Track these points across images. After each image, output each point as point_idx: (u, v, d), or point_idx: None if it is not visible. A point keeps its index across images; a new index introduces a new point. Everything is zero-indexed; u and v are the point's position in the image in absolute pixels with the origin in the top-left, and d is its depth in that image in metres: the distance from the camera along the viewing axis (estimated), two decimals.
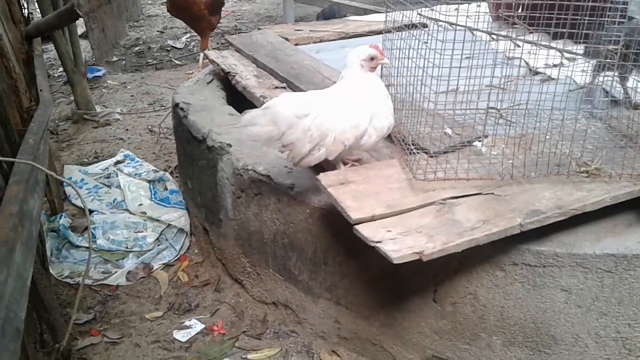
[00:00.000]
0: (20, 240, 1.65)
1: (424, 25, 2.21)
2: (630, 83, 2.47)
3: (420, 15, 2.23)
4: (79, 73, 4.93)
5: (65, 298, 2.83)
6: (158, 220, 3.33)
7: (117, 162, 4.11)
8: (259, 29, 4.55)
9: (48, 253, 2.98)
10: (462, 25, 2.10)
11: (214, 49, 6.76)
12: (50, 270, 2.88)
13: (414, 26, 2.21)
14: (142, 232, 3.29)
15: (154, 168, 3.99)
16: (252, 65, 3.55)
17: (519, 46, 3.06)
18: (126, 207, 3.50)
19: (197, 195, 3.07)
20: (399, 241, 1.74)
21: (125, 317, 2.73)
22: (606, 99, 2.53)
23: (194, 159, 2.99)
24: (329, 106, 2.09)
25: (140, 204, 3.49)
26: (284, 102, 2.14)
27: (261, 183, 2.44)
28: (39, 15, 4.94)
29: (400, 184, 2.05)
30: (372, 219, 1.85)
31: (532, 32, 2.82)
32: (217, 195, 2.75)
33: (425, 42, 2.01)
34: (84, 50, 5.74)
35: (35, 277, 2.06)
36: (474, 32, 2.95)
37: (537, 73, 3.09)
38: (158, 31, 8.54)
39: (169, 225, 3.30)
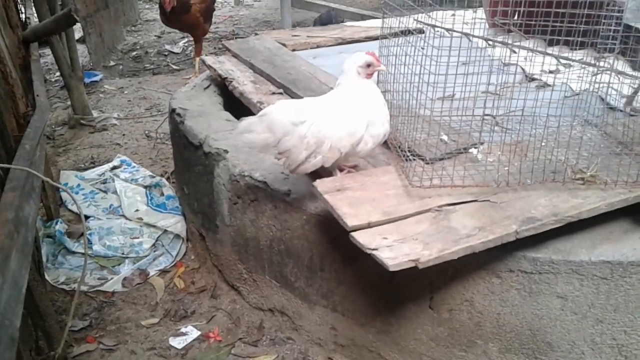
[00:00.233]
0: (15, 247, 1.64)
1: (421, 32, 2.21)
2: (625, 89, 2.48)
3: (417, 21, 2.24)
4: (76, 78, 4.93)
5: (61, 305, 2.82)
6: (154, 226, 3.33)
7: (114, 168, 4.10)
8: (257, 34, 4.57)
9: (44, 259, 2.97)
10: (458, 31, 2.11)
11: (211, 54, 6.78)
12: (46, 277, 2.87)
13: (410, 32, 2.21)
14: (138, 238, 3.28)
15: (151, 173, 3.98)
16: (249, 71, 3.55)
17: (515, 52, 3.06)
18: (122, 213, 3.49)
19: (193, 201, 3.07)
20: (395, 248, 1.74)
21: (121, 323, 2.72)
22: (602, 106, 2.54)
23: (190, 165, 2.99)
24: (325, 113, 2.10)
25: (137, 210, 3.48)
26: (280, 109, 2.15)
27: (258, 189, 2.44)
28: (36, 20, 4.94)
29: (396, 191, 2.05)
30: (368, 226, 1.85)
31: (527, 39, 2.83)
32: (213, 202, 2.75)
33: (422, 48, 2.02)
34: (81, 55, 5.74)
35: (31, 283, 2.06)
36: (471, 38, 2.96)
37: (533, 79, 3.11)
38: (155, 36, 8.54)
39: (165, 231, 3.29)
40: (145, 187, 3.75)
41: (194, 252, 3.22)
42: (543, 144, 2.26)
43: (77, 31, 6.01)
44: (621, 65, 2.33)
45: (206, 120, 3.04)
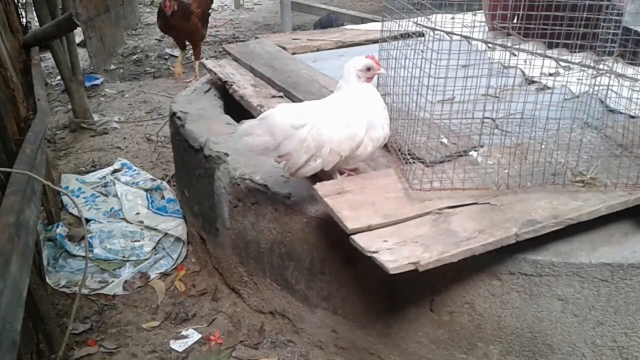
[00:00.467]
0: (16, 251, 1.65)
1: (421, 35, 2.22)
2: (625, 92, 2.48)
3: (417, 24, 2.24)
4: (77, 81, 4.94)
5: (62, 308, 2.82)
6: (155, 229, 3.33)
7: (115, 171, 4.11)
8: (257, 37, 4.57)
9: (45, 262, 2.98)
10: (458, 34, 2.11)
11: (211, 57, 6.80)
12: (47, 280, 2.87)
13: (410, 35, 2.22)
14: (139, 241, 3.28)
15: (151, 177, 3.99)
16: (250, 74, 3.56)
17: (515, 55, 3.07)
18: (123, 216, 3.50)
19: (194, 204, 3.07)
20: (396, 251, 1.74)
21: (121, 326, 2.72)
22: (601, 108, 2.55)
23: (191, 168, 3.00)
24: (325, 117, 2.10)
25: (138, 213, 3.49)
26: (280, 113, 2.15)
27: (258, 192, 2.44)
28: (37, 24, 4.95)
29: (396, 194, 2.05)
30: (369, 228, 1.86)
31: (526, 42, 2.83)
32: (214, 205, 2.76)
33: (421, 51, 2.02)
34: (81, 59, 5.75)
35: (32, 287, 2.06)
36: (470, 41, 2.97)
37: (532, 82, 3.11)
38: (156, 39, 8.56)
39: (166, 234, 3.30)
40: (146, 190, 3.75)
41: (195, 255, 3.22)
42: (543, 146, 2.26)
43: (78, 35, 6.01)
44: (620, 67, 2.33)
45: (206, 123, 3.05)
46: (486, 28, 3.87)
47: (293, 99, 3.06)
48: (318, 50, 4.17)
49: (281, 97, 3.16)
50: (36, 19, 5.02)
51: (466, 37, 2.90)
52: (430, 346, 2.16)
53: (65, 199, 3.69)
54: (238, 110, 3.21)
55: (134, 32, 9.17)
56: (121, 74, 6.93)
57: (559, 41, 2.14)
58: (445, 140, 2.37)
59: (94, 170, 4.21)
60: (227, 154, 2.66)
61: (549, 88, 2.98)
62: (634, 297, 1.85)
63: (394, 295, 2.16)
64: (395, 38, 2.39)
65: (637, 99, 2.35)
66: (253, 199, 2.47)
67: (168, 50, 7.83)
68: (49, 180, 3.02)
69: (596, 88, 2.42)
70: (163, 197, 3.67)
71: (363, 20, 6.57)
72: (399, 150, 2.31)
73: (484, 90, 2.12)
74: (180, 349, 2.56)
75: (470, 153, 2.33)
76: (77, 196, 3.73)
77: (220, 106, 3.41)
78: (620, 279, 1.84)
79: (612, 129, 2.41)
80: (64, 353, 2.25)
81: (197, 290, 2.94)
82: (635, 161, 2.14)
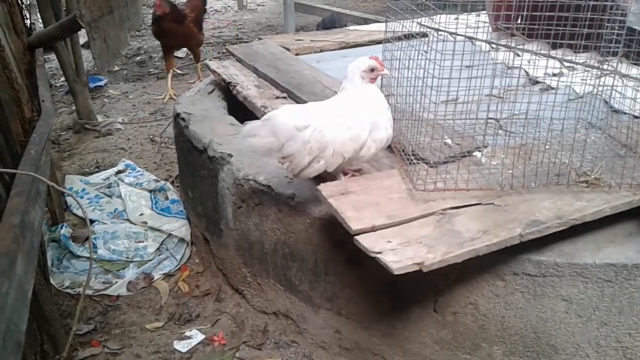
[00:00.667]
0: (21, 251, 1.65)
1: (424, 35, 2.22)
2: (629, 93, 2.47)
3: (420, 25, 2.24)
4: (81, 83, 4.96)
5: (66, 309, 2.83)
6: (159, 230, 3.34)
7: (118, 172, 4.12)
8: (260, 38, 4.58)
9: (49, 263, 2.99)
10: (462, 35, 2.11)
11: (215, 58, 6.79)
12: (51, 281, 2.88)
13: (413, 36, 2.22)
14: (142, 242, 3.29)
15: (155, 178, 3.99)
16: (253, 75, 3.56)
17: (519, 55, 3.07)
18: (127, 217, 3.51)
19: (198, 205, 3.08)
20: (399, 252, 1.74)
21: (125, 327, 2.73)
22: (605, 108, 2.54)
23: (194, 169, 3.00)
24: (328, 118, 2.10)
25: (141, 214, 3.50)
26: (284, 114, 2.15)
27: (262, 193, 2.45)
28: (41, 26, 4.97)
29: (400, 194, 2.05)
30: (373, 229, 1.86)
31: (530, 43, 2.83)
32: (217, 205, 2.76)
33: (425, 52, 2.02)
34: (85, 60, 5.77)
35: (37, 288, 2.07)
36: (474, 41, 2.97)
37: (536, 82, 3.11)
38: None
39: (170, 235, 3.30)
40: (150, 191, 3.76)
41: (199, 255, 3.22)
42: (547, 147, 2.26)
43: (82, 36, 6.03)
44: (625, 68, 2.32)
45: (210, 124, 3.05)
46: (490, 28, 3.87)
47: (297, 99, 3.06)
48: (321, 51, 4.17)
49: (285, 98, 3.16)
50: (40, 20, 5.04)
51: (470, 38, 2.90)
52: (434, 347, 2.16)
53: (69, 199, 3.70)
54: (242, 111, 3.21)
55: (137, 33, 9.19)
56: (125, 75, 6.95)
57: (563, 41, 2.13)
58: (449, 141, 2.36)
59: (98, 171, 4.22)
60: (231, 155, 2.66)
61: (553, 88, 2.97)
62: (638, 298, 1.85)
63: (397, 296, 2.16)
64: (398, 39, 2.39)
65: None
66: (257, 199, 2.48)
67: None
68: (53, 181, 3.03)
69: (600, 88, 2.41)
70: (167, 198, 3.68)
71: (366, 21, 6.58)
72: (403, 150, 2.31)
73: (488, 90, 2.12)
74: (183, 350, 2.56)
75: (474, 153, 2.32)
76: (81, 197, 3.74)
77: (224, 107, 3.42)
78: (624, 280, 1.84)
79: (616, 130, 2.40)
80: (68, 354, 2.26)
81: (201, 291, 2.95)
82: (639, 161, 2.14)
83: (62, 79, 5.96)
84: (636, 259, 1.84)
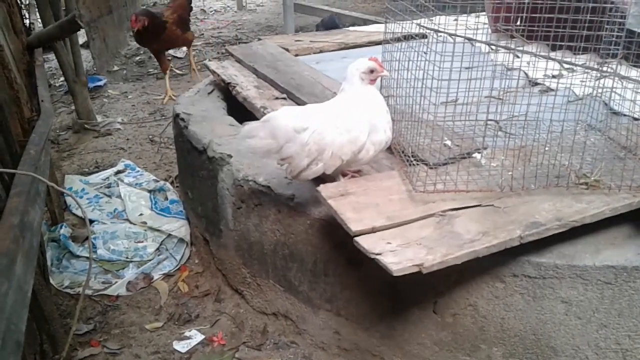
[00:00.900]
0: (21, 252, 1.65)
1: (424, 37, 2.22)
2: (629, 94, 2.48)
3: (420, 26, 2.25)
4: (80, 83, 4.96)
5: (66, 308, 2.83)
6: (158, 230, 3.34)
7: (118, 172, 4.11)
8: (259, 39, 4.58)
9: (48, 263, 2.98)
10: (461, 36, 2.11)
11: (214, 58, 6.80)
12: (51, 281, 2.88)
13: (413, 37, 2.22)
14: (142, 242, 3.29)
15: (155, 178, 3.99)
16: (253, 76, 3.56)
17: (518, 57, 3.07)
18: (127, 217, 3.51)
19: (197, 205, 3.08)
20: (399, 253, 1.74)
21: (125, 327, 2.73)
22: (605, 110, 2.54)
23: (194, 170, 3.00)
24: (327, 120, 2.09)
25: (141, 214, 3.49)
26: (283, 116, 2.15)
27: (261, 194, 2.45)
28: (41, 26, 4.97)
29: (400, 196, 2.06)
30: (372, 230, 1.86)
31: (530, 44, 2.83)
32: (217, 206, 2.76)
33: (424, 53, 2.03)
34: (85, 60, 5.77)
35: (36, 288, 2.07)
36: (474, 43, 2.97)
37: (536, 84, 3.11)
38: None
39: (170, 235, 3.30)
40: (150, 191, 3.76)
41: (198, 256, 3.22)
42: (546, 148, 2.26)
43: (81, 36, 6.04)
44: (624, 70, 2.33)
45: (210, 125, 3.05)
46: (489, 30, 3.87)
47: (296, 100, 3.06)
48: (321, 51, 4.17)
49: (284, 98, 3.16)
50: (39, 20, 5.04)
51: (469, 39, 2.90)
52: (433, 348, 2.16)
53: (69, 199, 3.70)
54: (241, 111, 3.21)
55: None
56: (124, 75, 6.94)
57: (563, 43, 2.13)
58: (448, 142, 2.37)
59: (97, 171, 4.22)
60: (230, 156, 2.66)
61: (552, 90, 2.98)
62: (638, 300, 1.85)
63: (397, 297, 2.16)
64: (398, 40, 2.39)
65: None
66: (256, 200, 2.48)
67: (171, 52, 7.83)
68: (52, 181, 3.03)
69: (600, 90, 2.41)
70: (166, 198, 3.68)
71: (366, 22, 6.58)
72: (403, 152, 2.31)
73: (488, 92, 2.12)
74: (183, 350, 2.56)
75: (473, 155, 2.33)
76: (81, 197, 3.73)
77: (223, 107, 3.42)
78: (624, 282, 1.84)
79: (616, 131, 2.40)
80: (67, 354, 2.26)
81: (200, 292, 2.95)
82: (639, 163, 2.14)
83: (62, 78, 5.96)
84: (636, 261, 1.84)
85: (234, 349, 2.55)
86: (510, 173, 2.11)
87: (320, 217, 2.23)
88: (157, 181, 3.91)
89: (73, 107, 5.17)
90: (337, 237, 2.14)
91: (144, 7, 9.05)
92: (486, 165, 2.23)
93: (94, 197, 3.75)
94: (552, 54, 3.00)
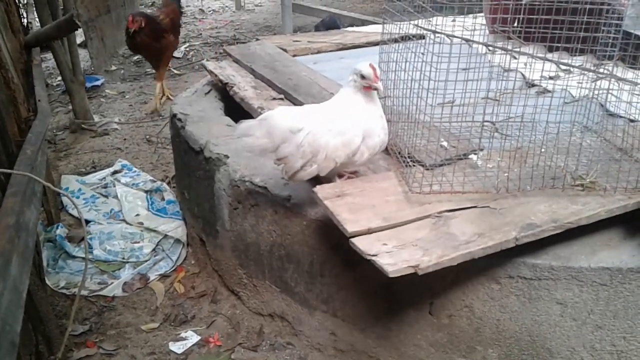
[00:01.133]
0: (16, 252, 1.65)
1: (421, 37, 2.22)
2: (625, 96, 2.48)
3: (417, 27, 2.25)
4: (78, 82, 4.95)
5: (61, 309, 2.82)
6: (155, 231, 3.33)
7: (115, 172, 4.11)
8: (257, 39, 4.58)
9: (44, 263, 2.98)
10: (458, 37, 2.11)
11: (212, 59, 6.79)
12: (47, 281, 2.87)
13: (410, 38, 2.22)
14: (138, 242, 3.28)
15: (152, 178, 3.99)
16: (250, 76, 3.56)
17: (515, 58, 3.07)
18: (123, 218, 3.50)
19: (194, 206, 3.07)
20: (395, 254, 1.74)
21: (121, 328, 2.72)
22: (601, 112, 2.55)
23: (191, 170, 3.00)
24: (322, 122, 2.09)
25: (137, 215, 3.49)
26: (279, 115, 2.15)
27: (258, 194, 2.45)
28: (38, 25, 4.96)
29: (396, 197, 2.06)
30: (368, 231, 1.86)
31: (527, 45, 2.83)
32: (214, 206, 2.76)
33: (422, 54, 2.03)
34: (82, 60, 5.75)
35: (31, 288, 2.07)
36: (471, 44, 2.97)
37: (532, 85, 3.11)
38: None
39: (166, 235, 3.30)
40: (146, 191, 3.76)
41: (194, 257, 3.22)
42: (542, 150, 2.26)
43: (79, 36, 6.02)
44: (621, 71, 2.33)
45: (207, 125, 3.05)
46: (487, 31, 3.87)
47: (294, 101, 3.06)
48: (319, 52, 4.17)
49: (282, 99, 3.16)
50: (37, 19, 5.03)
51: (467, 40, 2.90)
52: (429, 349, 2.16)
53: (65, 200, 3.70)
54: (238, 112, 3.21)
55: None
56: (122, 75, 6.94)
57: (560, 45, 2.14)
58: (445, 144, 2.37)
59: (94, 172, 4.21)
60: (227, 156, 2.66)
61: (549, 91, 2.98)
62: (633, 301, 1.85)
63: (393, 298, 2.16)
64: (395, 41, 2.39)
65: (637, 102, 2.35)
66: (253, 201, 2.48)
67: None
68: (49, 181, 3.02)
69: (596, 92, 2.42)
70: (163, 199, 3.67)
71: (364, 23, 6.57)
72: (399, 153, 2.31)
73: (484, 93, 2.12)
74: (179, 351, 2.56)
75: (470, 156, 2.33)
76: (77, 197, 3.73)
77: (220, 108, 3.41)
78: (619, 283, 1.84)
79: (612, 133, 2.41)
80: (63, 354, 2.26)
81: (197, 292, 2.95)
82: (634, 165, 2.14)
83: (59, 78, 5.95)
84: (631, 263, 1.84)
85: (230, 350, 2.55)
86: (506, 174, 2.11)
87: (317, 218, 2.23)
88: (154, 181, 3.91)
89: (70, 107, 5.16)
90: (333, 238, 2.14)
91: (142, 7, 9.05)
92: (482, 167, 2.23)
93: (90, 198, 3.74)
94: (549, 56, 3.00)
